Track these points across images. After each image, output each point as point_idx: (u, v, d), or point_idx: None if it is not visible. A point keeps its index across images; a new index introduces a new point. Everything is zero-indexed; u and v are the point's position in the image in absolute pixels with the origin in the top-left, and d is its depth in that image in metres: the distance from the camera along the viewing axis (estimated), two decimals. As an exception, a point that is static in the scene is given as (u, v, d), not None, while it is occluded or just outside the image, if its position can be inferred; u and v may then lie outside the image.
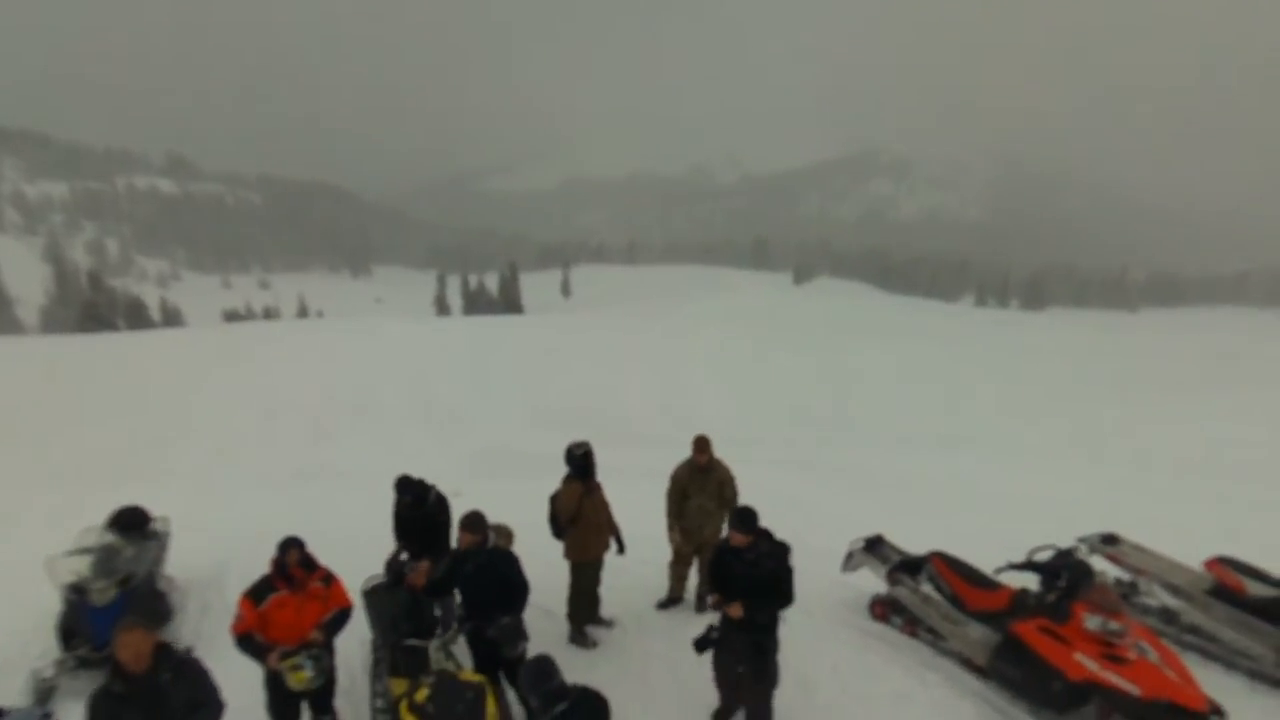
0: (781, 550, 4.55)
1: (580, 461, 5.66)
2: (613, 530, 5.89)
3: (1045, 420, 17.52)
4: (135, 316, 60.22)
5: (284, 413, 18.99)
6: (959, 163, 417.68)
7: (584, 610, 5.89)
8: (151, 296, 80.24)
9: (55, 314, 73.39)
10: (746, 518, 4.48)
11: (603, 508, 5.80)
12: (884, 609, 5.85)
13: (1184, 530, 7.48)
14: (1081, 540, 5.92)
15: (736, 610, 4.35)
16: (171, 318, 68.06)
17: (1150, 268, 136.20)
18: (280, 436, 16.23)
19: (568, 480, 5.67)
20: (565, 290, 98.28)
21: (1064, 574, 4.68)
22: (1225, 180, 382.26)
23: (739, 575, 4.45)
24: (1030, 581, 5.06)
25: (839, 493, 9.84)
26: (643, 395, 23.15)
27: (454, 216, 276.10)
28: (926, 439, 14.68)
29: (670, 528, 6.07)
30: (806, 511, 8.48)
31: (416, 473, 12.84)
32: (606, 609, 6.08)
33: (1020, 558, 5.23)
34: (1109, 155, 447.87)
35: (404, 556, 5.99)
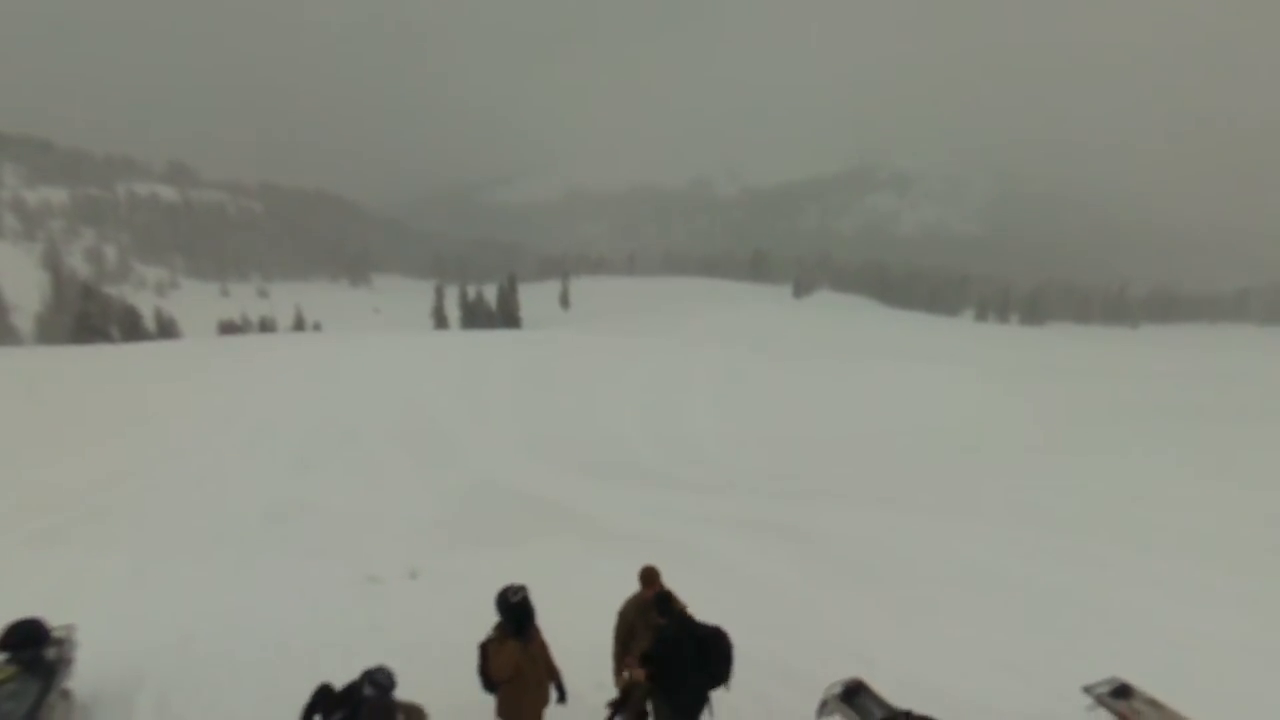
0: (715, 634, 4.74)
1: (515, 612, 4.79)
2: (553, 677, 5.12)
3: (1061, 470, 16.06)
4: (129, 326, 59.70)
5: (266, 438, 18.36)
6: (959, 178, 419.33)
7: None
8: (149, 305, 79.79)
9: (51, 322, 72.93)
10: (663, 603, 4.87)
11: (541, 657, 5.03)
12: None
13: (1217, 650, 6.53)
14: (1088, 690, 5.14)
15: (639, 674, 4.69)
16: (166, 328, 67.49)
17: (1150, 284, 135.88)
18: (259, 466, 15.55)
19: (501, 633, 4.83)
20: (564, 302, 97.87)
21: None
22: (1226, 197, 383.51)
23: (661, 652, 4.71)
24: None
25: (829, 579, 8.56)
26: (638, 423, 22.49)
27: (454, 227, 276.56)
28: (931, 496, 13.32)
29: (616, 671, 5.34)
30: (791, 609, 7.52)
31: (400, 510, 12.33)
32: None
33: (1027, 682, 4.44)
34: (1109, 172, 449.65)
35: None
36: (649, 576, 5.28)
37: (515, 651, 4.72)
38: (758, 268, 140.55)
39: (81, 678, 5.77)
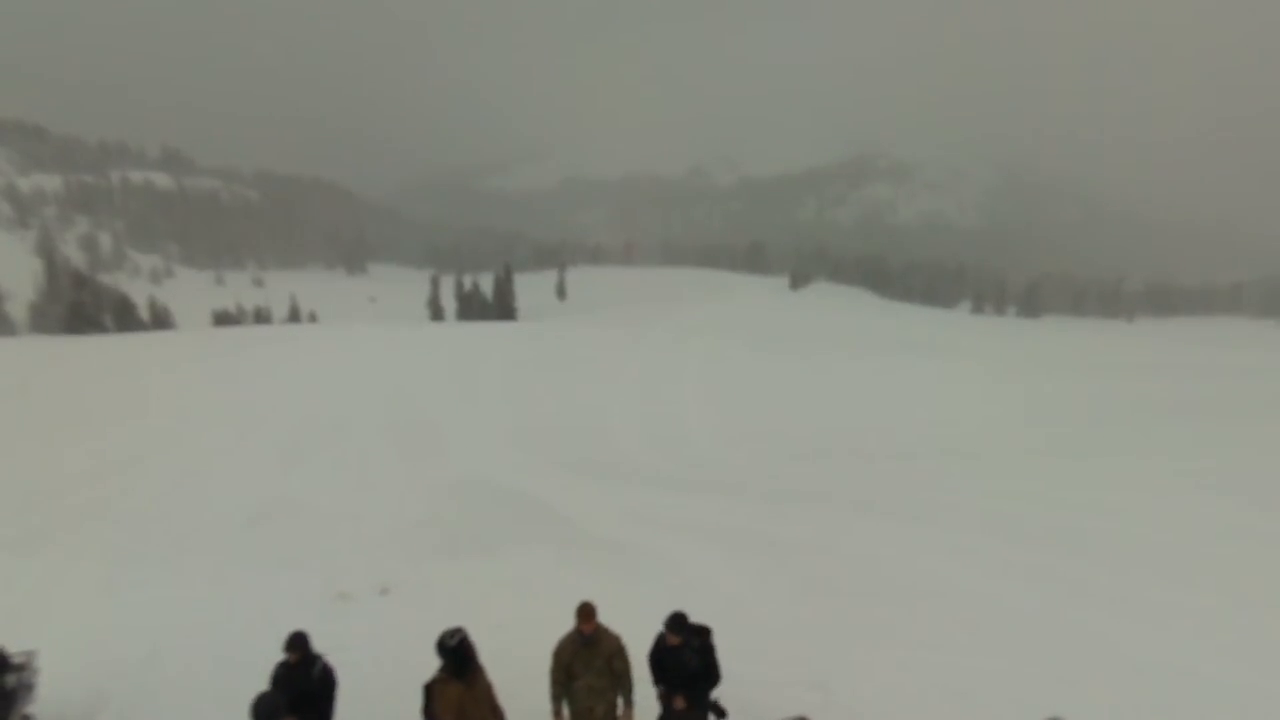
0: (703, 633, 5.18)
1: (453, 654, 4.77)
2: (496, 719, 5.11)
3: (1048, 478, 15.23)
4: (123, 316, 59.49)
5: (256, 433, 18.35)
6: (957, 169, 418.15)
7: None
8: (143, 293, 79.46)
9: (45, 310, 72.55)
10: (678, 622, 5.13)
11: (485, 700, 4.97)
12: None
13: (1181, 684, 6.34)
14: None
15: (680, 702, 5.01)
16: (160, 318, 67.22)
17: (1146, 277, 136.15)
18: (247, 462, 15.51)
19: (444, 675, 4.82)
20: (560, 293, 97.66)
21: None
22: (1222, 192, 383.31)
23: (673, 668, 5.13)
24: None
25: (797, 596, 8.28)
26: (630, 419, 22.45)
27: (451, 215, 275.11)
28: (911, 501, 13.14)
29: (554, 712, 5.34)
30: (755, 630, 7.30)
31: (384, 510, 12.33)
32: None
33: None
34: (1108, 165, 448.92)
35: None
36: (585, 612, 5.26)
37: (457, 695, 4.72)
38: (755, 258, 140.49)
39: (44, 702, 5.77)
